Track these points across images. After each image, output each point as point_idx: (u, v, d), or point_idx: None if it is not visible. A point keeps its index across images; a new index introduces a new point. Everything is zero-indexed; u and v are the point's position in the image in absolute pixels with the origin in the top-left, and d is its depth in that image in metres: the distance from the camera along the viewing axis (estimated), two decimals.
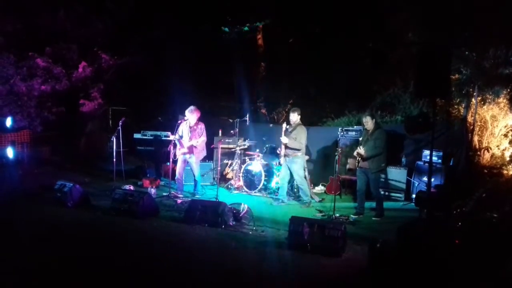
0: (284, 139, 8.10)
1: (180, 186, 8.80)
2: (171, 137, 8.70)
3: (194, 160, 8.60)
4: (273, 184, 9.24)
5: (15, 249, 5.49)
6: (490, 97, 9.99)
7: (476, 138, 9.82)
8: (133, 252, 5.59)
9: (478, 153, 9.80)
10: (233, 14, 14.32)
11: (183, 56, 13.78)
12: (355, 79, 12.91)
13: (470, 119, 9.67)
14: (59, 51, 12.92)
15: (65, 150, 12.58)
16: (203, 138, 8.53)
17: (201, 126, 8.60)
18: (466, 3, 9.27)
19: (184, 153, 8.56)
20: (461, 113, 10.11)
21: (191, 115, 8.52)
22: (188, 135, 8.51)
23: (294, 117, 8.30)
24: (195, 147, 8.50)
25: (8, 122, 11.59)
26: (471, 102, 9.81)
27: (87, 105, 13.24)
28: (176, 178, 8.84)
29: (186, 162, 8.71)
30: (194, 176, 8.76)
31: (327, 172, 9.85)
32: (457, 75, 9.93)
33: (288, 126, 8.36)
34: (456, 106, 10.49)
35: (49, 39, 12.77)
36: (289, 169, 8.33)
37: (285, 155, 8.22)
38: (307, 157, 9.39)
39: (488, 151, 9.81)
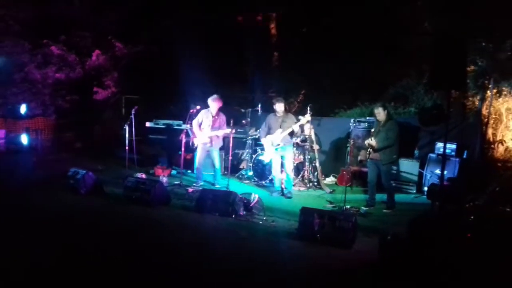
0: (296, 127, 8.06)
1: (199, 175, 8.83)
2: (183, 126, 8.71)
3: (215, 151, 8.62)
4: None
5: (27, 234, 5.56)
6: (506, 89, 9.82)
7: (490, 131, 9.67)
8: (144, 240, 5.64)
9: (492, 146, 9.67)
10: (247, 3, 14.22)
11: (196, 45, 13.75)
12: (369, 69, 12.78)
13: (484, 111, 9.53)
14: (74, 39, 13.00)
15: (79, 138, 12.71)
16: (227, 130, 8.44)
17: (222, 117, 8.62)
18: None
19: (205, 143, 8.58)
20: (476, 106, 9.97)
21: (212, 103, 8.51)
22: (209, 124, 8.51)
23: (282, 107, 8.26)
24: (217, 137, 8.52)
25: (23, 109, 11.74)
26: (486, 95, 9.66)
27: (101, 93, 13.33)
28: (196, 167, 8.88)
29: (206, 152, 8.72)
30: (215, 166, 8.74)
31: (339, 163, 9.81)
32: (472, 66, 9.77)
33: (277, 116, 8.29)
34: (471, 98, 10.34)
35: (63, 27, 12.84)
36: (281, 157, 8.31)
37: (277, 145, 8.17)
38: (317, 147, 9.37)
39: (502, 144, 9.67)
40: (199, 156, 8.76)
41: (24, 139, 11.28)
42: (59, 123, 12.75)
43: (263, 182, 9.26)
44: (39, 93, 12.39)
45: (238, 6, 14.32)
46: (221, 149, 10.27)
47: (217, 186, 8.68)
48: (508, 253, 4.57)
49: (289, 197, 8.21)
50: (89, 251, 5.07)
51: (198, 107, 8.68)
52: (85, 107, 13.42)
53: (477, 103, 9.97)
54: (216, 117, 8.56)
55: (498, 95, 9.86)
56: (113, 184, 8.46)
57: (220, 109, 8.69)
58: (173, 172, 9.99)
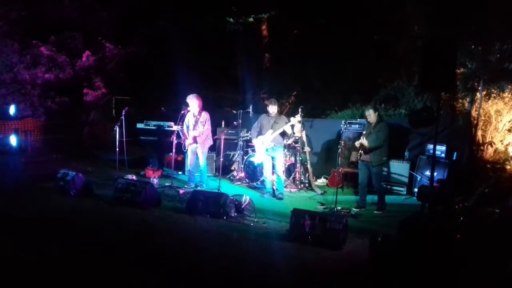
0: (287, 128, 8.09)
1: (191, 177, 8.77)
2: (174, 128, 8.67)
3: (200, 150, 8.56)
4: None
5: (16, 236, 5.51)
6: (495, 91, 9.93)
7: (480, 133, 9.77)
8: (134, 241, 5.62)
9: (482, 148, 9.76)
10: (238, 5, 14.24)
11: (187, 46, 13.72)
12: (360, 71, 12.86)
13: (474, 113, 9.63)
14: (63, 39, 12.90)
15: (68, 139, 12.61)
16: (205, 128, 8.43)
17: (205, 115, 8.50)
18: None
19: (190, 144, 8.54)
20: (466, 108, 10.06)
21: (191, 101, 8.42)
22: (193, 124, 8.47)
23: (275, 108, 8.32)
24: (201, 135, 8.46)
25: (12, 110, 11.63)
26: (476, 97, 9.75)
27: (91, 95, 13.24)
28: (187, 169, 8.82)
29: (195, 153, 8.67)
30: (199, 165, 8.67)
31: (330, 165, 9.84)
32: (462, 69, 9.85)
33: (270, 116, 8.33)
34: (460, 100, 10.44)
35: (53, 28, 12.74)
36: (271, 158, 8.34)
37: (268, 146, 8.21)
38: (309, 149, 9.39)
39: (491, 146, 9.77)
40: (189, 158, 8.73)
41: (13, 140, 11.16)
42: (48, 124, 12.64)
43: (255, 184, 9.25)
44: (28, 94, 12.26)
45: (229, 8, 14.31)
46: (212, 150, 10.27)
47: (198, 187, 8.54)
48: (497, 254, 4.60)
49: (280, 199, 8.21)
50: (79, 251, 5.02)
51: (189, 108, 8.64)
52: (75, 108, 13.32)
53: (466, 105, 10.07)
54: (198, 116, 8.47)
55: (487, 97, 9.96)
56: (103, 185, 8.42)
57: (210, 110, 8.62)
58: (165, 172, 9.95)
